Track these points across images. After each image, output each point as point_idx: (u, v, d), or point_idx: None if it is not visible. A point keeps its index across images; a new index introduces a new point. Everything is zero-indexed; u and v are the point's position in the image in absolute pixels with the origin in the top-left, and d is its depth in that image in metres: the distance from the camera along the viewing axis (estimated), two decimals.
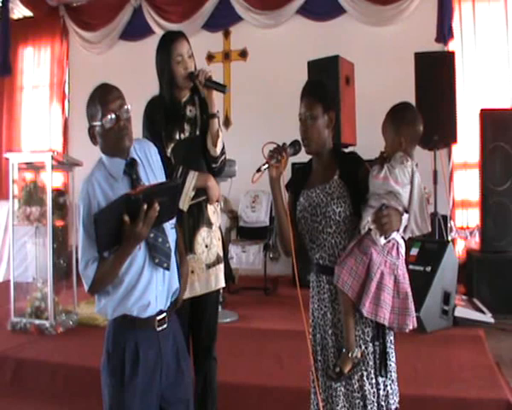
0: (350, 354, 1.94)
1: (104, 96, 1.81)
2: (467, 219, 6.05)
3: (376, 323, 1.98)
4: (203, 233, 2.51)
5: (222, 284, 2.59)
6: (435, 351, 3.65)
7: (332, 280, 2.00)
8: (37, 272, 4.64)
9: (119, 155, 1.85)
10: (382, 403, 1.99)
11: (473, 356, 3.54)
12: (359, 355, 1.96)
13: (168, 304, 1.91)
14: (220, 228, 2.70)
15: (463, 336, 3.94)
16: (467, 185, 5.97)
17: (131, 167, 1.85)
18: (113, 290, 1.82)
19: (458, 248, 5.78)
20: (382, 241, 1.95)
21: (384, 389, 2.00)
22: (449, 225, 5.33)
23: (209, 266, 2.52)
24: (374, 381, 1.99)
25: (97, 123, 1.81)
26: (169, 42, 2.48)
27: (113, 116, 1.79)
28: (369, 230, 1.95)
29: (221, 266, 2.59)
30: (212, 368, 2.59)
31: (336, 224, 2.02)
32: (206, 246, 2.52)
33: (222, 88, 2.49)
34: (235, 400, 3.09)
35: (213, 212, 2.59)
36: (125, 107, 1.83)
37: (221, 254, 2.60)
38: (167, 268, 1.87)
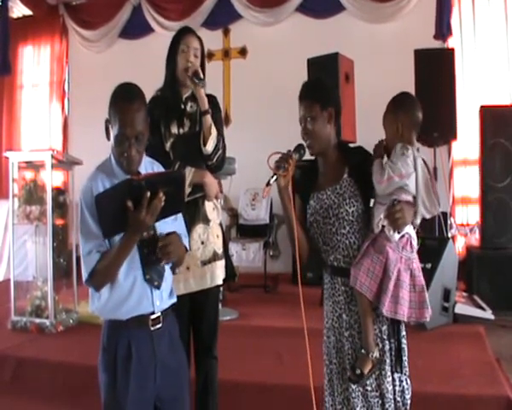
0: (370, 355, 1.93)
1: (125, 116, 1.75)
2: (467, 215, 6.05)
3: (392, 320, 1.98)
4: (199, 230, 2.49)
5: (218, 281, 2.55)
6: (435, 348, 3.64)
7: (347, 282, 1.98)
8: (37, 270, 4.63)
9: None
10: (398, 399, 2.00)
11: (473, 353, 3.54)
12: (378, 355, 1.95)
13: (164, 307, 1.90)
14: (221, 225, 2.67)
15: (463, 333, 3.94)
16: (467, 182, 5.96)
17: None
18: (106, 297, 1.80)
19: (458, 244, 5.77)
20: (396, 237, 1.94)
21: (400, 385, 2.01)
22: (449, 221, 5.33)
23: (204, 263, 2.49)
24: (390, 378, 1.99)
25: (111, 134, 1.79)
26: (181, 33, 2.54)
27: (126, 145, 1.76)
28: (383, 227, 1.94)
29: (218, 264, 2.55)
30: (212, 367, 2.58)
31: (350, 224, 2.00)
32: (202, 243, 2.50)
33: (199, 81, 2.43)
34: (236, 397, 3.09)
35: (213, 208, 2.58)
36: (143, 137, 1.79)
37: (219, 251, 2.56)
38: (157, 287, 1.85)
